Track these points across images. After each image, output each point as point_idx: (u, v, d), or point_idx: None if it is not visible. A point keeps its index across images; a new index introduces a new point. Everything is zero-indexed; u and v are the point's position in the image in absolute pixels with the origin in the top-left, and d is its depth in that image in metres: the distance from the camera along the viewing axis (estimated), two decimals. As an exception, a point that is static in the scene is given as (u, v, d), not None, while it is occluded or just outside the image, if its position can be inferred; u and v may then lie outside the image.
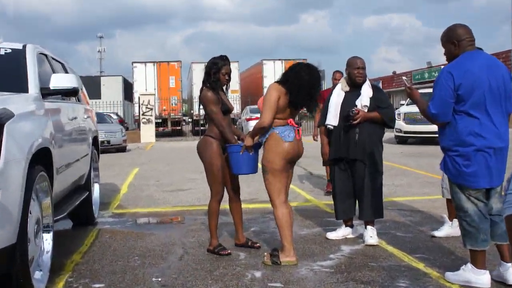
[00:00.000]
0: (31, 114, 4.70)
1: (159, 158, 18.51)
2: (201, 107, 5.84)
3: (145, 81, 34.43)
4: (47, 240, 4.88)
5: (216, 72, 5.72)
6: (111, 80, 53.25)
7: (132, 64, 35.60)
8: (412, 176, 11.73)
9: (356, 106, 6.01)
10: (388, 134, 27.81)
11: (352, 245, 5.99)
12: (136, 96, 34.24)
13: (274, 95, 5.25)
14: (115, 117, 37.73)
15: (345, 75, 6.37)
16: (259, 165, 5.55)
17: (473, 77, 4.43)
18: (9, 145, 3.90)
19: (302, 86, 5.24)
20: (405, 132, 20.64)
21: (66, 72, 6.96)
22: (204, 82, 5.81)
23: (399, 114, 20.26)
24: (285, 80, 5.32)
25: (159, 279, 4.92)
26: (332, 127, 6.17)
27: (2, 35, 5.97)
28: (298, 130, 5.41)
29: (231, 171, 5.73)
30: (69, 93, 5.46)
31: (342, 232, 6.35)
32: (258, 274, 5.02)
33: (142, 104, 30.26)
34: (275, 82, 5.42)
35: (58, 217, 5.33)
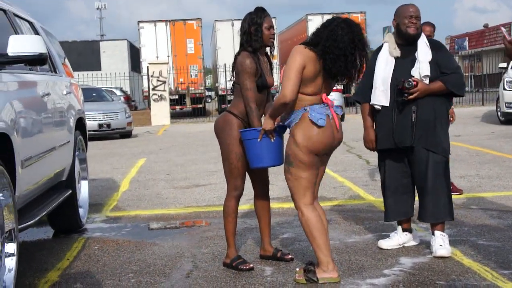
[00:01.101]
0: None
1: (172, 145, 18.58)
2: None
3: (155, 46, 34.51)
4: (10, 255, 4.82)
5: (258, 28, 5.61)
6: (113, 46, 53.74)
7: (138, 24, 35.71)
8: (505, 164, 11.46)
9: (412, 76, 5.75)
10: (485, 109, 27.46)
11: (415, 257, 5.79)
12: (144, 65, 34.12)
13: (298, 61, 5.04)
14: (119, 93, 38.09)
15: (393, 30, 6.10)
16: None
17: None
18: None
19: (341, 49, 5.00)
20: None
21: (37, 33, 6.91)
22: (242, 45, 5.71)
23: (503, 83, 19.66)
24: (316, 42, 5.10)
25: (157, 305, 4.86)
26: (380, 107, 5.92)
27: None
28: (334, 112, 5.21)
29: (249, 164, 5.60)
30: (34, 61, 5.39)
31: (399, 239, 6.15)
32: (284, 296, 4.90)
33: (152, 76, 30.36)
34: (301, 44, 5.21)
35: (26, 224, 5.31)
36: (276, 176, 10.89)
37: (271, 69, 5.87)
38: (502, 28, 5.75)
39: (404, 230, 6.14)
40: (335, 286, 5.02)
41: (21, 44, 5.28)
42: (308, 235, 5.14)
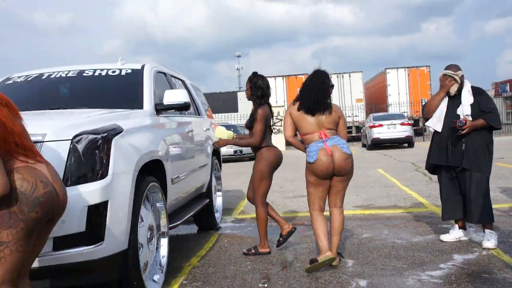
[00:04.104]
0: (143, 129, 4.74)
1: (287, 165, 18.43)
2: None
3: (275, 93, 34.66)
4: (164, 245, 4.91)
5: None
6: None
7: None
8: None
9: (459, 116, 5.74)
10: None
11: (465, 254, 5.51)
12: (266, 108, 34.40)
13: (287, 114, 5.46)
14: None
15: None
16: None
17: None
18: (117, 158, 3.94)
19: (306, 91, 5.35)
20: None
21: (187, 88, 7.06)
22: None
23: None
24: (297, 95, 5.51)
25: (265, 285, 4.79)
26: (433, 130, 5.99)
27: (153, 59, 6.16)
28: (329, 146, 5.13)
29: None
30: (181, 108, 5.48)
31: (456, 234, 6.06)
32: (363, 283, 4.74)
33: (273, 116, 30.40)
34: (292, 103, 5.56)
35: (174, 224, 5.37)
36: (360, 189, 10.71)
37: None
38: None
39: (459, 227, 6.07)
40: (401, 277, 4.85)
41: (172, 96, 5.42)
42: (313, 228, 5.31)
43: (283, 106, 32.94)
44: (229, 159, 21.98)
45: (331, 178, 5.17)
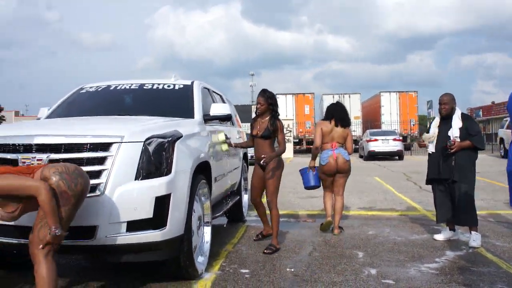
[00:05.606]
0: (195, 135, 4.86)
1: (296, 170, 18.48)
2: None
3: (285, 108, 34.72)
4: (207, 233, 5.02)
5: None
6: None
7: (276, 95, 35.94)
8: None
9: (449, 137, 5.86)
10: (493, 155, 26.38)
11: (455, 251, 5.62)
12: (277, 121, 34.50)
13: (318, 128, 6.66)
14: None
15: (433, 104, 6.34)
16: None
17: None
18: (178, 159, 4.08)
19: (335, 111, 6.67)
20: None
21: (223, 102, 7.18)
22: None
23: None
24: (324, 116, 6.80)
25: (292, 270, 4.89)
26: (431, 152, 6.10)
27: (178, 74, 6.27)
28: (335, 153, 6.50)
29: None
30: (224, 119, 5.62)
31: (446, 234, 6.18)
32: (373, 271, 4.84)
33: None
34: (321, 120, 6.90)
35: (215, 215, 5.50)
36: (362, 194, 10.76)
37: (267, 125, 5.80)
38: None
39: (450, 229, 6.18)
40: (403, 268, 4.96)
41: (217, 109, 5.54)
42: (323, 201, 6.86)
43: (292, 119, 33.04)
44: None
45: (334, 174, 6.55)
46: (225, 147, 5.78)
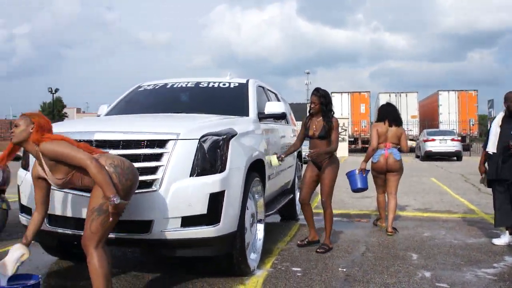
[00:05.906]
0: (250, 133, 4.87)
1: (350, 169, 18.27)
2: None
3: (341, 107, 34.38)
4: (260, 230, 5.04)
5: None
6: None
7: (331, 93, 35.74)
8: None
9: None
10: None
11: (516, 256, 5.40)
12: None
13: (374, 129, 6.79)
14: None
15: (495, 103, 6.03)
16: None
17: None
18: (232, 156, 4.12)
19: (383, 115, 6.82)
20: None
21: (278, 100, 7.17)
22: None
23: None
24: (381, 117, 6.87)
25: (344, 269, 4.85)
26: (491, 153, 5.82)
27: (233, 72, 6.33)
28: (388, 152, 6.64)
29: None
30: (278, 117, 5.62)
31: (505, 239, 5.90)
32: (427, 274, 4.73)
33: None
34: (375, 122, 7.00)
35: (269, 213, 5.51)
36: (417, 195, 10.54)
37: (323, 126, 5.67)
38: None
39: (510, 233, 5.91)
40: (460, 272, 4.82)
41: (272, 107, 5.55)
42: (377, 203, 7.15)
43: (347, 118, 32.69)
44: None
45: (386, 173, 6.70)
46: (275, 162, 5.49)
